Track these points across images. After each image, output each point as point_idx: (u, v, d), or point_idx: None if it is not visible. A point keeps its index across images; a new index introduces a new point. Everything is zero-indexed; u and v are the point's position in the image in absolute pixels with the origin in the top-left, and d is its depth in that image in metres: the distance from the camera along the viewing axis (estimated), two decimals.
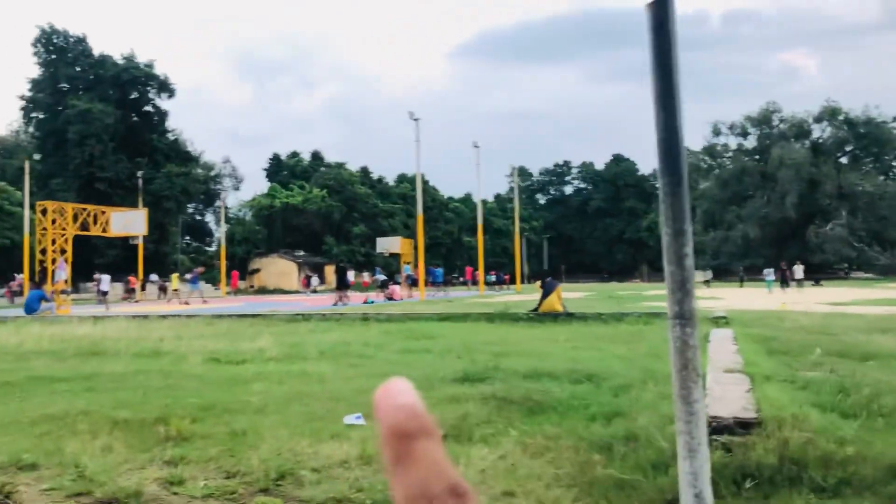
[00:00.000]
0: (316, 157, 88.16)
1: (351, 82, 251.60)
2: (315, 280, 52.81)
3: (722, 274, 71.46)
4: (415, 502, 0.38)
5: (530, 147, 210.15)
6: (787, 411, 4.68)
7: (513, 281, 59.43)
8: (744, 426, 4.31)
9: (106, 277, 31.03)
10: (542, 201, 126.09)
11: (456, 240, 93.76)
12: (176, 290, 35.31)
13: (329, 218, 73.05)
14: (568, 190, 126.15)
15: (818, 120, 76.62)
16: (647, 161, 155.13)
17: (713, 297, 29.22)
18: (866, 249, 69.32)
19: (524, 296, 34.95)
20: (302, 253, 69.06)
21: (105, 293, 30.30)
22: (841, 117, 75.22)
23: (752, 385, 5.73)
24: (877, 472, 3.90)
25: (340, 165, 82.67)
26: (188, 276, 37.17)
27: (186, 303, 33.21)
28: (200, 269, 39.29)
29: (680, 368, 2.20)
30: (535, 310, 17.16)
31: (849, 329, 12.18)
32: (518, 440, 4.81)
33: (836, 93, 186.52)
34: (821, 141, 77.36)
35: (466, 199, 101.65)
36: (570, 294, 31.25)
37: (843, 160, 78.20)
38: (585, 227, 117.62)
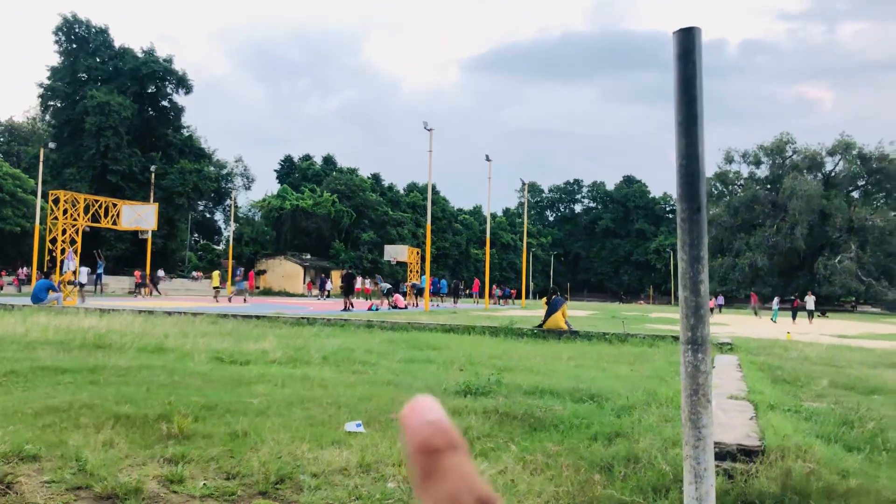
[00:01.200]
0: (328, 161, 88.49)
1: (367, 88, 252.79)
2: (329, 284, 52.74)
3: (728, 301, 71.22)
4: None
5: (541, 163, 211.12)
6: (791, 441, 4.66)
7: (519, 296, 59.37)
8: (747, 453, 4.29)
9: (84, 269, 30.86)
10: (550, 218, 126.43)
11: (463, 252, 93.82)
12: (217, 288, 35.76)
13: (338, 223, 73.12)
14: (577, 208, 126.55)
15: (832, 153, 76.54)
16: (658, 183, 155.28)
17: (718, 324, 29.15)
18: (874, 284, 69.11)
19: (529, 311, 34.92)
20: (309, 256, 69.11)
21: (82, 285, 30.13)
22: (855, 152, 75.11)
23: (755, 413, 5.71)
24: None
25: (352, 171, 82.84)
26: (237, 275, 37.99)
27: (243, 300, 34.32)
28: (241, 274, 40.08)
29: (690, 393, 2.21)
30: (540, 326, 17.14)
31: (855, 362, 12.13)
32: (518, 456, 4.80)
33: (851, 127, 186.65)
34: (833, 174, 77.30)
35: (475, 212, 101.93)
36: (575, 313, 31.21)
37: (855, 194, 78.12)
38: (593, 246, 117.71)
